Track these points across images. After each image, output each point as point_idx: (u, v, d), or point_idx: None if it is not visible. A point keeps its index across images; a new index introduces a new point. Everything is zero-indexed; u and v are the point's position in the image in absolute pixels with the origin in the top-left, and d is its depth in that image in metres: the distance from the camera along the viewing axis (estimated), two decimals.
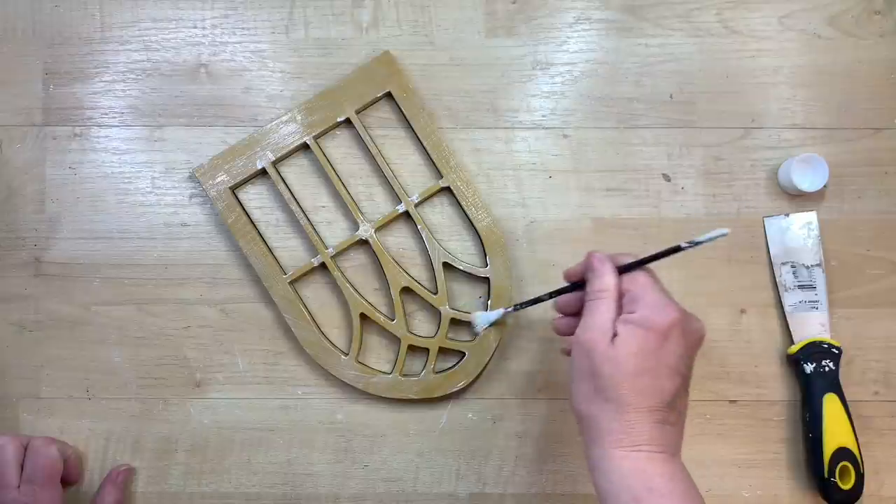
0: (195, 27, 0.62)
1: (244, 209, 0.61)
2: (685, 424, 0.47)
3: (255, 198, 0.62)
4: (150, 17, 0.62)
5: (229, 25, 0.62)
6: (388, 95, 0.61)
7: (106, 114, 0.62)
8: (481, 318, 0.59)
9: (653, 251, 0.47)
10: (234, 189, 0.61)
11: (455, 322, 0.60)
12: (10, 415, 0.61)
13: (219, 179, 0.60)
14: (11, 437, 0.56)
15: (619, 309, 0.46)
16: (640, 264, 0.47)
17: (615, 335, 0.44)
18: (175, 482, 0.61)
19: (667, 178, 0.62)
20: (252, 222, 0.60)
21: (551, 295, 0.53)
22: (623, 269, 0.47)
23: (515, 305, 0.57)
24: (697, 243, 0.45)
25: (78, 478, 0.60)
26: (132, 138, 0.62)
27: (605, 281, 0.46)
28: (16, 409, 0.61)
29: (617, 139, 0.62)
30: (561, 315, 0.52)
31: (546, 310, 0.60)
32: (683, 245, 0.46)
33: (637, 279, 0.47)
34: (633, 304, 0.45)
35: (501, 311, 0.58)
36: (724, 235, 0.44)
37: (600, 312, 0.46)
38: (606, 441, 0.44)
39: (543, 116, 0.62)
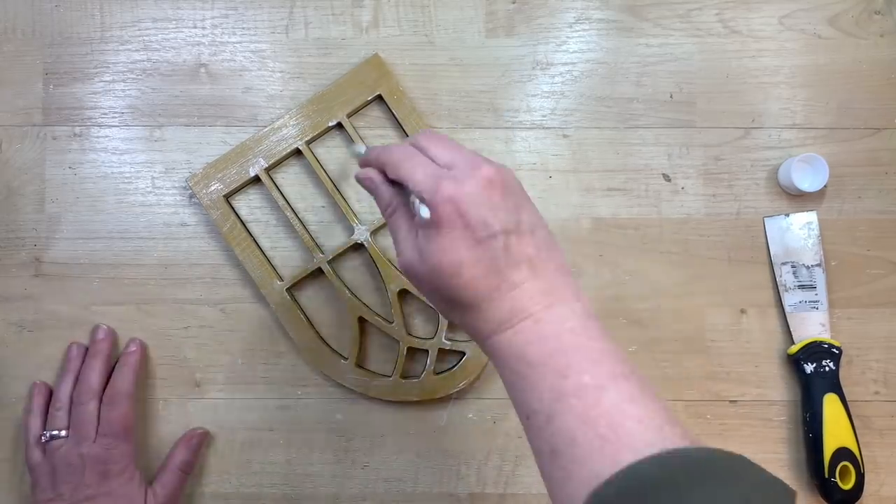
0: (195, 27, 0.62)
1: (238, 217, 0.60)
2: (556, 251, 0.41)
3: (250, 203, 0.62)
4: (150, 17, 0.62)
5: (229, 25, 0.62)
6: (380, 98, 0.61)
7: (106, 114, 0.62)
8: (350, 152, 0.53)
9: None
10: (227, 197, 0.61)
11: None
12: (10, 415, 0.61)
13: (212, 188, 0.60)
14: (94, 396, 0.57)
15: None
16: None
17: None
18: None
19: (667, 178, 0.62)
20: (247, 229, 0.60)
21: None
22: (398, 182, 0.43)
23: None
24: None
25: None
26: (132, 138, 0.62)
27: (383, 197, 0.44)
28: (16, 409, 0.61)
29: (617, 139, 0.62)
30: None
31: None
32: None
33: None
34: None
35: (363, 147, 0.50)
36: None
37: (398, 230, 0.43)
38: (483, 335, 0.40)
39: (543, 116, 0.62)
